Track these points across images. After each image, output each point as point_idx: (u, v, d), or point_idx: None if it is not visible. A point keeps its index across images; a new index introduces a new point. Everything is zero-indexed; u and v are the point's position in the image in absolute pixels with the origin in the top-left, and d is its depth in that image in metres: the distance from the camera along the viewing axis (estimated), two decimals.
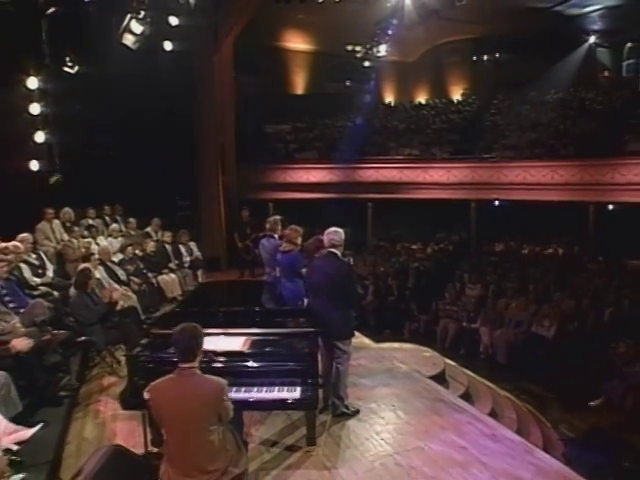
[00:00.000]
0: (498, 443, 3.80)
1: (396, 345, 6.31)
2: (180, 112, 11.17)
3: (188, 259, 8.94)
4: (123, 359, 5.49)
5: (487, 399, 5.59)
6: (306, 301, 4.54)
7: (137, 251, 8.23)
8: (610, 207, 12.21)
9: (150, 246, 8.47)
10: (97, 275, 6.05)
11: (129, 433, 4.02)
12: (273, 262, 5.84)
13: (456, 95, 19.31)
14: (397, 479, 3.36)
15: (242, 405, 3.22)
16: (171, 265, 8.48)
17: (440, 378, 5.31)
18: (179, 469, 2.67)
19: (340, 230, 4.11)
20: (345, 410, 4.22)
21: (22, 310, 4.63)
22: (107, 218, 9.32)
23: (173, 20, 8.24)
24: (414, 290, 10.73)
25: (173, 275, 8.32)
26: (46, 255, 6.93)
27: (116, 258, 7.63)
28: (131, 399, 3.36)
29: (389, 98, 20.09)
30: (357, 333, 5.55)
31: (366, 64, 15.92)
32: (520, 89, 16.09)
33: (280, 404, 3.32)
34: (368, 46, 14.52)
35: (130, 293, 6.67)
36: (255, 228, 10.10)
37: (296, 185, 14.48)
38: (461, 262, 12.08)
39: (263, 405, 3.34)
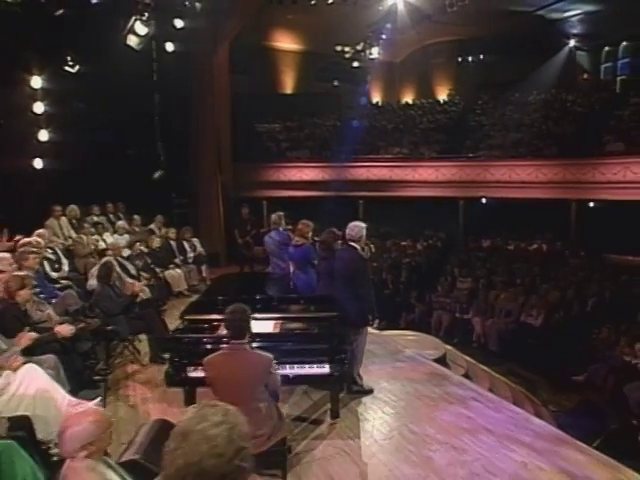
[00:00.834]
0: (500, 413, 4.24)
1: (399, 332, 6.73)
2: (177, 112, 11.40)
3: (192, 255, 9.23)
4: (143, 348, 5.84)
5: (485, 380, 6.04)
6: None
7: (143, 247, 8.50)
8: (591, 204, 12.79)
9: (155, 242, 8.73)
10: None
11: (162, 413, 4.32)
12: (280, 254, 6.21)
13: (442, 95, 19.69)
14: (413, 444, 3.76)
15: None
16: (176, 260, 8.77)
17: (442, 361, 5.74)
18: None
19: (359, 224, 4.49)
20: (360, 388, 4.61)
21: (53, 300, 4.89)
22: (111, 215, 9.54)
23: (178, 23, 8.49)
24: (407, 284, 11.18)
25: (179, 270, 8.60)
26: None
27: (124, 254, 7.89)
28: (174, 378, 3.70)
29: (376, 98, 20.43)
30: None
31: (355, 64, 16.28)
32: (504, 90, 16.54)
33: (312, 379, 3.69)
34: (359, 48, 14.87)
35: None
36: (254, 225, 10.46)
37: (289, 183, 14.78)
38: (450, 257, 12.57)
39: (297, 380, 3.70)
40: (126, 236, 8.70)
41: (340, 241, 4.85)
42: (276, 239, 6.26)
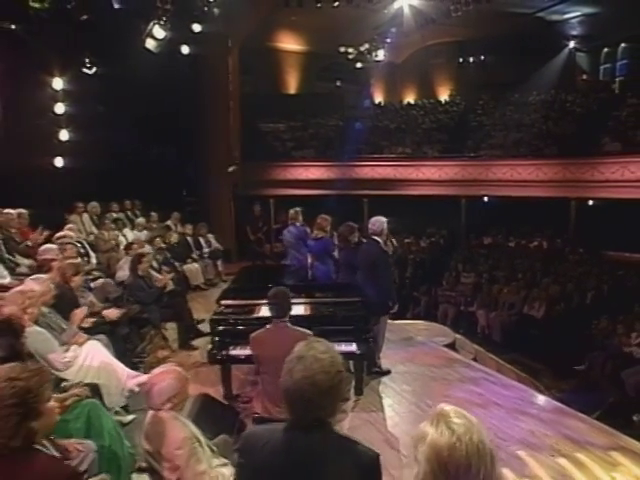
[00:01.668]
0: (508, 390, 4.64)
1: (409, 322, 7.12)
2: (189, 112, 11.76)
3: (207, 250, 9.61)
4: (170, 336, 6.22)
5: (492, 366, 6.42)
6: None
7: (161, 243, 8.86)
8: (590, 202, 13.12)
9: (173, 238, 9.10)
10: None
11: (198, 391, 4.70)
12: (298, 247, 6.60)
13: (443, 96, 19.93)
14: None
15: None
16: (193, 255, 9.15)
17: (452, 347, 6.14)
18: (273, 402, 3.38)
19: (381, 219, 4.87)
20: (379, 370, 5.01)
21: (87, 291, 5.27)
22: (128, 212, 9.91)
23: (196, 27, 8.86)
24: (412, 279, 11.58)
25: (196, 265, 8.98)
26: None
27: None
28: (216, 355, 4.10)
29: (378, 98, 20.76)
30: None
31: (358, 65, 16.60)
32: (504, 91, 16.77)
33: (342, 355, 4.05)
34: (363, 49, 15.17)
35: None
36: (266, 222, 10.85)
37: (295, 182, 15.07)
38: (453, 254, 12.95)
39: None
40: (145, 232, 9.07)
41: (357, 233, 5.23)
42: (294, 233, 6.65)
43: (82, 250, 7.01)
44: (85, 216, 8.79)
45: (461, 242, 14.39)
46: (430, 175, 14.67)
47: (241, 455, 1.68)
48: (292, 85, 18.94)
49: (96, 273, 6.44)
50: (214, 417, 3.67)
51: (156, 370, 2.51)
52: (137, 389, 3.67)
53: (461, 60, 20.39)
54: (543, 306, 8.84)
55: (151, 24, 8.94)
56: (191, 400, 3.74)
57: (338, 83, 19.48)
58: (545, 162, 12.87)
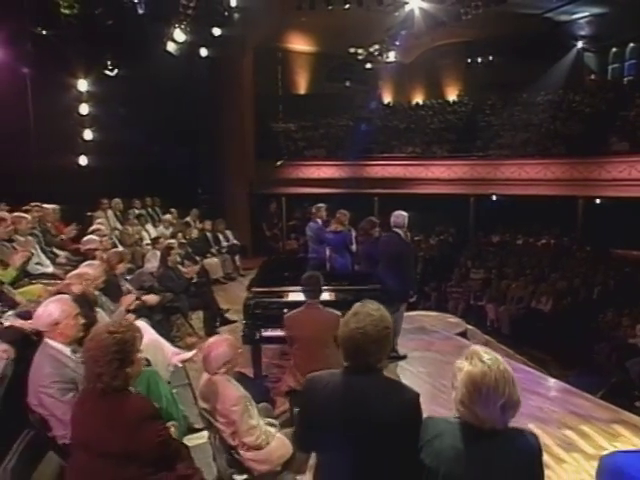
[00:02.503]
0: (518, 373, 4.77)
1: (422, 313, 7.44)
2: (206, 113, 12.13)
3: (225, 245, 9.98)
4: (195, 324, 6.59)
5: (502, 355, 6.71)
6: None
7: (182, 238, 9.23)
8: (597, 201, 13.30)
9: (193, 233, 9.48)
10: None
11: None
12: (318, 241, 6.95)
13: (451, 96, 20.07)
14: (446, 394, 4.39)
15: None
16: (213, 250, 9.53)
17: (464, 336, 6.45)
18: (304, 375, 3.71)
19: (403, 213, 5.21)
20: (396, 354, 5.34)
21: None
22: (149, 209, 10.30)
23: (216, 31, 9.22)
24: (423, 275, 11.88)
25: (215, 259, 9.35)
26: None
27: None
28: (250, 337, 4.46)
29: (387, 98, 21.00)
30: None
31: (368, 66, 16.86)
32: (512, 91, 16.88)
33: None
34: (373, 50, 15.41)
35: None
36: (281, 219, 11.21)
37: (307, 180, 15.36)
38: (462, 251, 13.24)
39: None
40: (170, 228, 9.45)
41: (378, 228, 5.57)
42: (315, 228, 7.00)
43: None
44: (109, 212, 9.17)
45: (470, 240, 14.65)
46: (439, 174, 14.94)
47: (305, 393, 2.02)
48: (302, 85, 19.18)
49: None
50: (249, 391, 4.04)
51: (211, 339, 2.86)
52: (180, 364, 4.02)
53: (469, 60, 20.52)
54: (550, 300, 9.13)
55: (172, 28, 9.30)
56: None
57: (347, 84, 19.67)
58: (553, 161, 13.08)
